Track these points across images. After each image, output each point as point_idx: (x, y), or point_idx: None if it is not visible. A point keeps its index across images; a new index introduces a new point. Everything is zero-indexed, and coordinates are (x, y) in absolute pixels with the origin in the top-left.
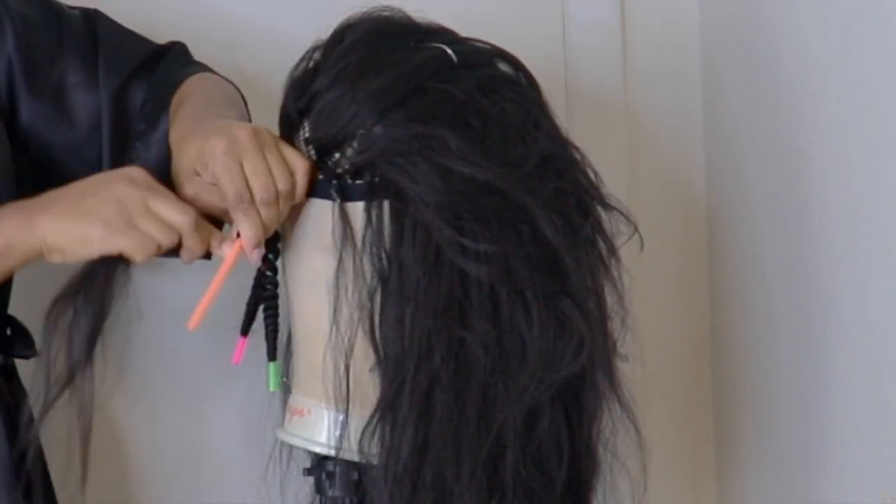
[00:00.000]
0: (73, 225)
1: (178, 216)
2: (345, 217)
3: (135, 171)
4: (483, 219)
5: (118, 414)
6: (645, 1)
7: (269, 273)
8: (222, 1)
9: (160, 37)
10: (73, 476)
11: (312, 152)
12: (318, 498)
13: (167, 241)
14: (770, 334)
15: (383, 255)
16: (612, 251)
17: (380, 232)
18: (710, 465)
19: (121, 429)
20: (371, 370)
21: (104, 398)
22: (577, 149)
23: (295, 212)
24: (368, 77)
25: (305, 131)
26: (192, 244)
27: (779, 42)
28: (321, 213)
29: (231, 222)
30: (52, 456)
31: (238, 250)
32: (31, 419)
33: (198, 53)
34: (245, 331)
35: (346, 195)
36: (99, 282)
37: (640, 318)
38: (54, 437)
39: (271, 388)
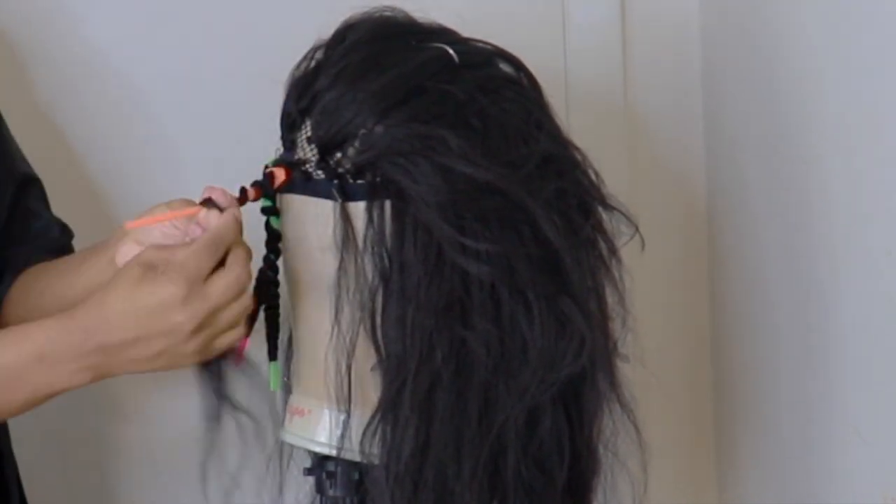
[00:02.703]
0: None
1: (240, 310)
2: (346, 217)
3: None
4: (484, 219)
5: (119, 414)
6: (645, 1)
7: (269, 273)
8: (223, 0)
9: (162, 36)
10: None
11: (314, 151)
12: (318, 498)
13: (242, 333)
14: (770, 334)
15: (385, 255)
16: (613, 251)
17: (381, 232)
18: (710, 465)
19: (121, 429)
20: (372, 370)
21: (105, 398)
22: (578, 149)
23: (296, 212)
24: (370, 77)
25: (307, 130)
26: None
27: (779, 42)
28: (322, 212)
29: None
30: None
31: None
32: (6, 431)
33: (199, 53)
34: (247, 331)
35: (347, 195)
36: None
37: (640, 318)
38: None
39: (272, 388)
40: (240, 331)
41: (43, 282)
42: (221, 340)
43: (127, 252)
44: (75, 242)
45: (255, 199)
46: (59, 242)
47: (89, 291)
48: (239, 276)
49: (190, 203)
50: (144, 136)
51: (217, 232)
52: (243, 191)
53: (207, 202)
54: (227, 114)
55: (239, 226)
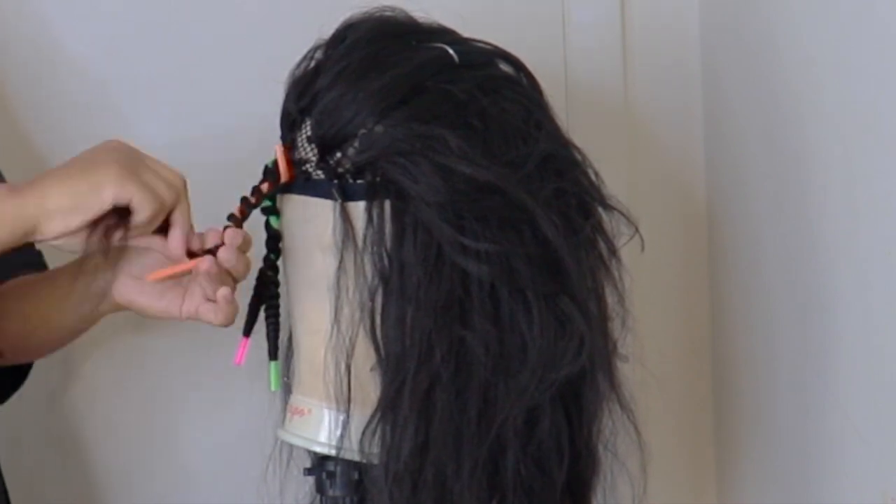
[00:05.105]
0: (79, 178)
1: (172, 174)
2: (346, 217)
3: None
4: (484, 218)
5: (119, 413)
6: (645, 2)
7: (270, 273)
8: (223, 0)
9: (161, 36)
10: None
11: (314, 151)
12: (318, 497)
13: (169, 197)
14: (770, 334)
15: (384, 255)
16: (613, 252)
17: (381, 231)
18: (710, 465)
19: (121, 428)
20: (372, 369)
21: (104, 398)
22: (578, 149)
23: (296, 211)
24: (370, 76)
25: (307, 130)
26: (184, 210)
27: (779, 42)
28: (322, 212)
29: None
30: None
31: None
32: None
33: (198, 53)
34: (248, 331)
35: (347, 195)
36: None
37: (640, 318)
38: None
39: (272, 388)
40: (170, 190)
41: (28, 306)
42: (149, 178)
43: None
44: (45, 250)
45: (270, 191)
46: (34, 258)
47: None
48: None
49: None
50: (139, 138)
51: None
52: (255, 190)
53: (209, 251)
54: (225, 114)
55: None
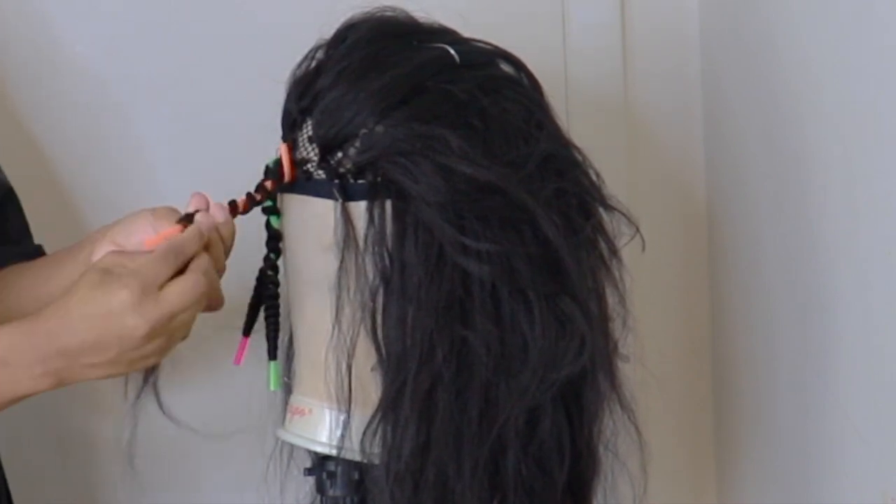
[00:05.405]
0: (123, 369)
1: (193, 292)
2: (347, 217)
3: (118, 291)
4: (485, 218)
5: (119, 413)
6: (645, 2)
7: (270, 272)
8: (224, 0)
9: (161, 36)
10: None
11: (315, 151)
12: (318, 498)
13: (202, 308)
14: (770, 334)
15: (385, 255)
16: (614, 252)
17: (382, 231)
18: (710, 465)
19: (122, 428)
20: (373, 369)
21: (103, 397)
22: (578, 149)
23: (297, 211)
24: (370, 76)
25: (308, 130)
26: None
27: (778, 42)
28: (323, 212)
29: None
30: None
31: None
32: None
33: (198, 53)
34: (247, 331)
35: (348, 195)
36: None
37: (640, 318)
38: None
39: (272, 388)
40: (201, 302)
41: (20, 284)
42: (178, 324)
43: (103, 252)
44: (47, 246)
45: (273, 189)
46: (35, 250)
47: (65, 291)
48: (196, 282)
49: (177, 212)
50: (139, 138)
51: (177, 242)
52: (259, 187)
53: (189, 217)
54: (226, 114)
55: (202, 237)
